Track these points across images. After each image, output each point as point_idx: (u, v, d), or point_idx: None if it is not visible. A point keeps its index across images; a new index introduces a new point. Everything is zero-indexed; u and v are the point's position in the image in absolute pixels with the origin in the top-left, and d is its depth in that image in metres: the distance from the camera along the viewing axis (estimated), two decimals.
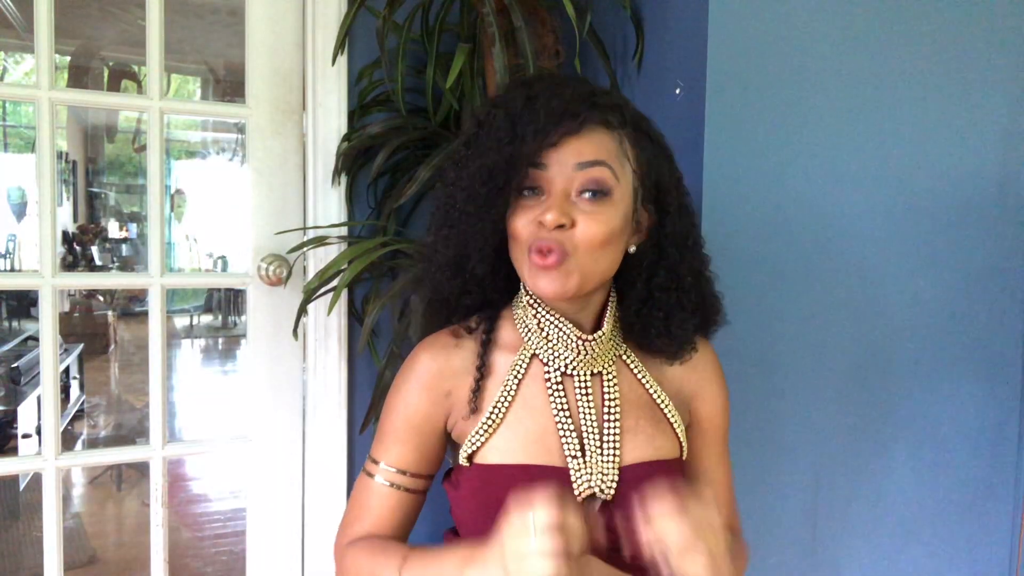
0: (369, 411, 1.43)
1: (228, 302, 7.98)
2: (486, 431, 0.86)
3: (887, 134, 1.31)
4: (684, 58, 1.26)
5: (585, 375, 0.88)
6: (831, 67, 1.27)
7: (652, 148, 0.88)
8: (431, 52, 1.38)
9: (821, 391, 1.32)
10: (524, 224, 0.81)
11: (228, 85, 5.43)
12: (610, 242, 0.82)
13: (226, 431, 4.63)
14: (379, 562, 0.85)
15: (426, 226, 0.92)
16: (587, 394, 0.87)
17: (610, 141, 0.83)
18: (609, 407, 0.87)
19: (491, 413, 0.86)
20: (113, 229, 8.69)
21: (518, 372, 0.88)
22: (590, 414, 0.87)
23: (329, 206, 1.50)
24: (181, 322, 8.05)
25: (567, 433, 0.85)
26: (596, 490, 0.84)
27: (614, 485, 0.84)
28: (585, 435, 0.86)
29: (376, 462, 0.91)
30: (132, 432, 4.36)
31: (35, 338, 3.67)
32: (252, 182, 1.51)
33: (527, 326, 0.89)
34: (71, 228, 7.69)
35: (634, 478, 0.85)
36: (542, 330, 0.87)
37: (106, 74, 5.29)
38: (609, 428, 0.86)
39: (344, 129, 1.49)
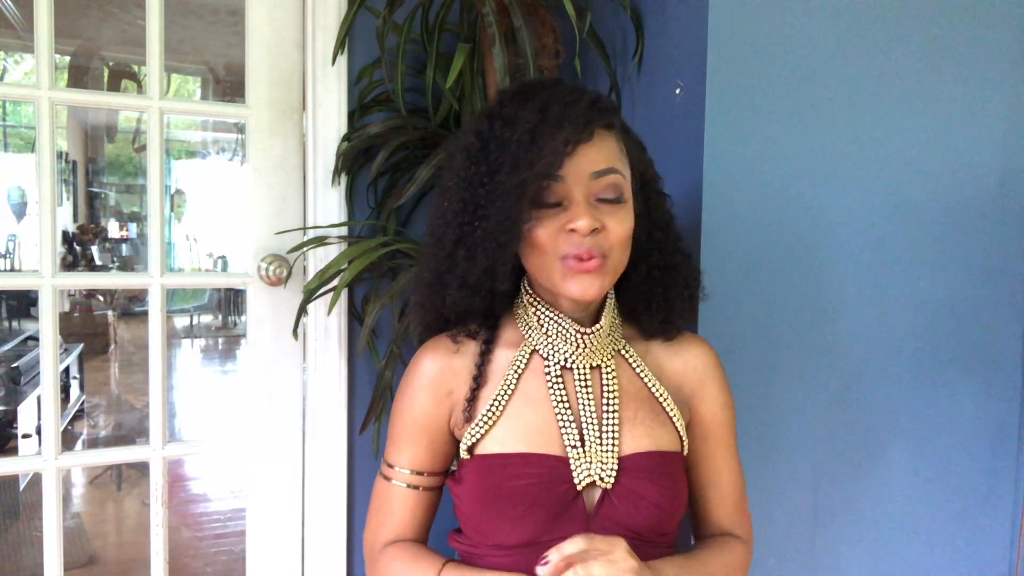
0: (369, 411, 1.43)
1: (228, 302, 7.98)
2: (486, 423, 0.88)
3: (887, 134, 1.31)
4: (684, 58, 1.26)
5: (584, 368, 0.90)
6: (831, 67, 1.27)
7: (634, 142, 0.93)
8: (431, 52, 1.38)
9: (821, 391, 1.32)
10: (550, 234, 0.83)
11: (228, 85, 5.43)
12: (629, 240, 0.87)
13: (226, 431, 4.63)
14: (415, 574, 0.88)
15: (430, 248, 0.90)
16: (587, 386, 0.89)
17: (614, 143, 0.87)
18: (608, 399, 0.89)
19: (491, 406, 0.88)
20: (113, 229, 8.69)
21: (518, 367, 0.90)
22: (589, 406, 0.89)
23: (329, 206, 1.50)
24: (181, 322, 8.04)
25: (566, 424, 0.87)
26: (596, 478, 0.86)
27: (614, 473, 0.86)
28: (584, 426, 0.88)
29: (392, 466, 0.94)
30: (132, 432, 4.36)
31: (35, 338, 3.67)
32: (252, 182, 1.51)
33: (527, 324, 0.91)
34: (71, 228, 7.70)
35: (634, 467, 0.87)
36: (541, 326, 0.90)
37: (106, 74, 5.29)
38: (608, 419, 0.88)
39: (344, 129, 1.49)
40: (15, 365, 3.59)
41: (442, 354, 0.92)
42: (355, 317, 1.54)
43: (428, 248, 0.91)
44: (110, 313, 6.35)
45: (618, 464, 0.86)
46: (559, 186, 0.83)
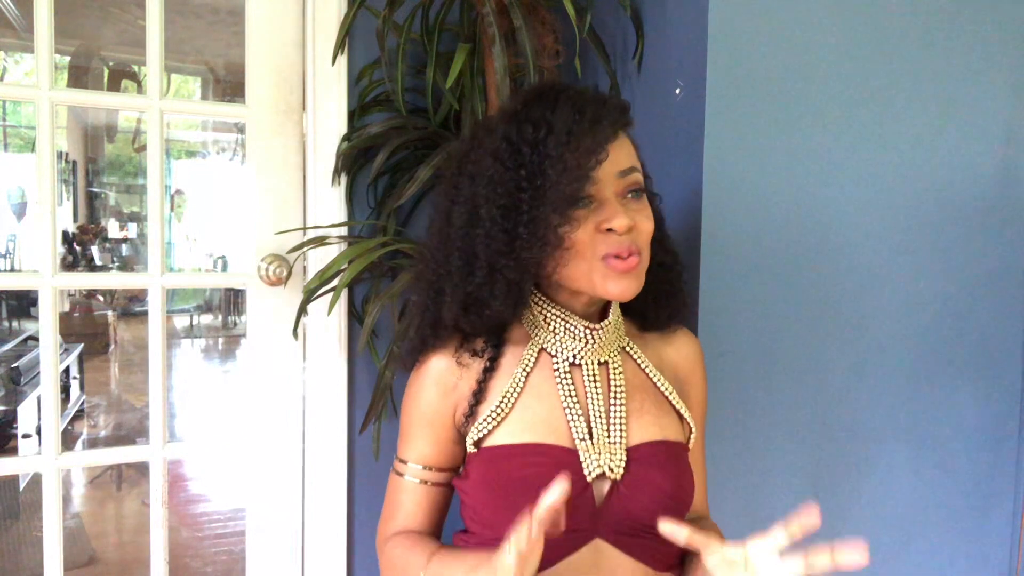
0: (369, 411, 1.43)
1: (228, 302, 7.98)
2: (495, 419, 0.88)
3: (887, 134, 1.31)
4: (684, 58, 1.26)
5: (593, 364, 0.91)
6: (831, 67, 1.27)
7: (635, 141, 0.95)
8: (431, 52, 1.38)
9: (821, 391, 1.32)
10: (586, 234, 0.84)
11: (228, 85, 5.43)
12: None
13: (226, 431, 4.63)
14: (410, 559, 0.89)
15: (451, 255, 0.88)
16: (595, 381, 0.91)
17: (630, 143, 0.90)
18: (615, 392, 0.91)
19: (501, 401, 0.89)
20: (113, 229, 8.69)
21: (527, 364, 0.91)
22: (598, 400, 0.90)
23: (329, 206, 1.50)
24: (181, 322, 8.04)
25: (575, 417, 0.88)
26: (605, 469, 0.86)
27: (623, 465, 0.87)
28: (593, 420, 0.89)
29: (404, 461, 0.95)
30: (132, 432, 4.36)
31: (35, 338, 3.67)
32: (252, 182, 1.51)
33: (534, 323, 0.92)
34: (71, 228, 7.69)
35: (641, 457, 0.88)
36: (548, 324, 0.91)
37: (106, 74, 5.29)
38: (616, 411, 0.89)
39: (344, 129, 1.49)
40: (15, 365, 3.59)
41: (450, 352, 0.93)
42: (355, 317, 1.54)
43: (444, 262, 0.89)
44: (110, 313, 6.35)
45: (627, 455, 0.88)
46: (591, 187, 0.85)
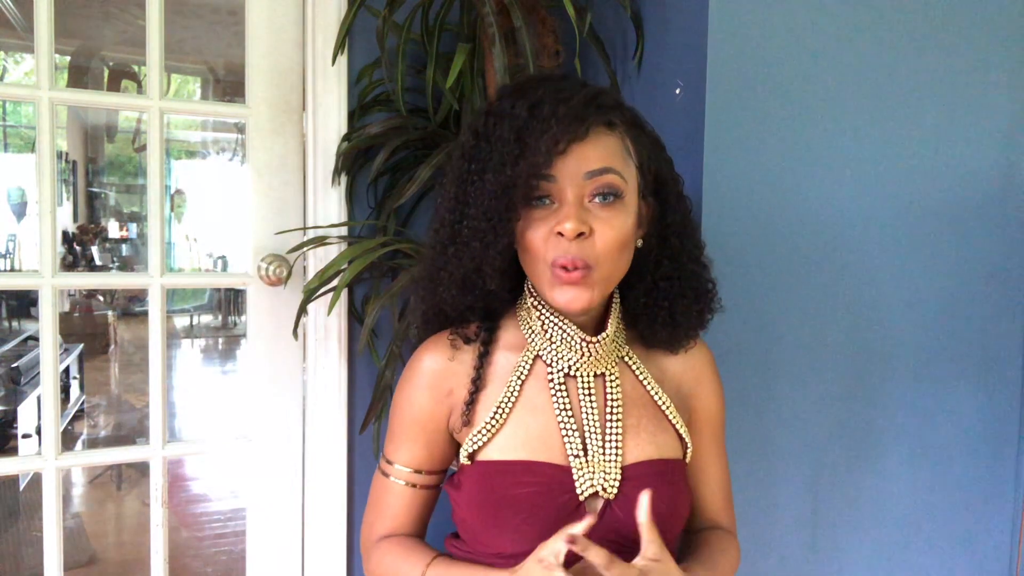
0: (369, 411, 1.43)
1: (228, 302, 7.98)
2: (489, 431, 0.86)
3: (887, 134, 1.31)
4: (684, 58, 1.26)
5: (588, 376, 0.88)
6: (831, 67, 1.27)
7: (648, 140, 0.89)
8: (431, 52, 1.38)
9: (821, 391, 1.32)
10: (540, 236, 0.81)
11: (228, 85, 5.43)
12: (626, 245, 0.83)
13: (226, 431, 4.63)
14: (403, 568, 0.87)
15: (428, 244, 0.90)
16: (590, 395, 0.87)
17: (614, 142, 0.83)
18: (612, 407, 0.87)
19: (495, 414, 0.86)
20: (113, 229, 8.69)
21: (521, 373, 0.88)
22: (593, 414, 0.87)
23: (329, 206, 1.50)
24: (181, 322, 8.05)
25: (569, 433, 0.85)
26: (599, 488, 0.84)
27: (617, 483, 0.84)
28: (587, 435, 0.86)
29: (390, 462, 0.93)
30: (132, 432, 4.36)
31: (35, 338, 3.67)
32: (252, 182, 1.51)
33: (531, 328, 0.89)
34: (71, 228, 7.70)
35: (636, 476, 0.85)
36: (546, 332, 0.87)
37: (106, 74, 5.30)
38: (611, 427, 0.87)
39: (344, 129, 1.49)
40: (15, 365, 3.59)
41: (442, 353, 0.90)
42: (355, 317, 1.54)
43: (427, 246, 0.90)
44: (110, 313, 6.35)
45: (621, 473, 0.85)
46: (551, 186, 0.81)
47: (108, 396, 5.15)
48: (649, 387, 0.91)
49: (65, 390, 4.21)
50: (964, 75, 1.35)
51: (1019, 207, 1.41)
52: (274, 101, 1.51)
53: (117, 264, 7.94)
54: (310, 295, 1.36)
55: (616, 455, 0.85)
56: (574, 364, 0.87)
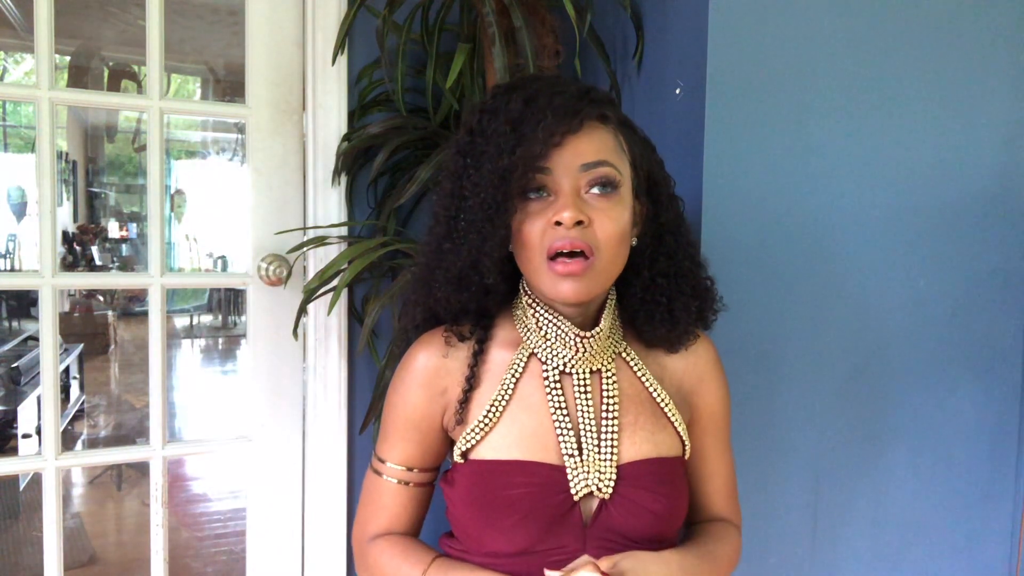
0: (369, 411, 1.43)
1: (228, 302, 7.99)
2: (482, 429, 0.86)
3: (887, 134, 1.31)
4: (684, 58, 1.26)
5: (584, 373, 0.87)
6: (831, 67, 1.27)
7: (639, 140, 0.90)
8: (431, 52, 1.38)
9: (821, 391, 1.32)
10: (537, 228, 0.80)
11: (228, 85, 5.43)
12: (624, 238, 0.83)
13: (226, 431, 4.63)
14: (402, 568, 0.87)
15: (423, 243, 0.90)
16: (585, 392, 0.87)
17: (608, 136, 0.84)
18: (608, 404, 0.87)
19: (488, 411, 0.86)
20: (113, 229, 8.70)
21: (516, 371, 0.87)
22: (588, 412, 0.86)
23: (329, 206, 1.50)
24: (181, 322, 8.05)
25: (564, 431, 0.85)
26: (593, 488, 0.83)
27: (612, 483, 0.84)
28: (583, 433, 0.85)
29: (383, 461, 0.92)
30: (132, 432, 4.36)
31: (35, 338, 3.67)
32: (252, 182, 1.51)
33: (526, 325, 0.89)
34: (71, 228, 7.70)
35: (631, 476, 0.85)
36: (540, 329, 0.87)
37: (106, 74, 5.30)
38: (607, 426, 0.86)
39: (344, 129, 1.49)
40: (15, 365, 3.59)
41: (436, 350, 0.89)
42: (355, 317, 1.54)
43: (423, 244, 0.90)
44: (110, 313, 6.35)
45: (617, 473, 0.84)
46: (546, 178, 0.81)
47: (108, 396, 5.15)
48: (647, 384, 0.90)
49: (65, 390, 4.21)
50: (964, 75, 1.35)
51: (1019, 207, 1.41)
52: (274, 101, 1.51)
53: (117, 264, 7.94)
54: (310, 295, 1.36)
55: (612, 454, 0.85)
56: (569, 361, 0.87)
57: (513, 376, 0.87)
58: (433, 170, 1.33)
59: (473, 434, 0.86)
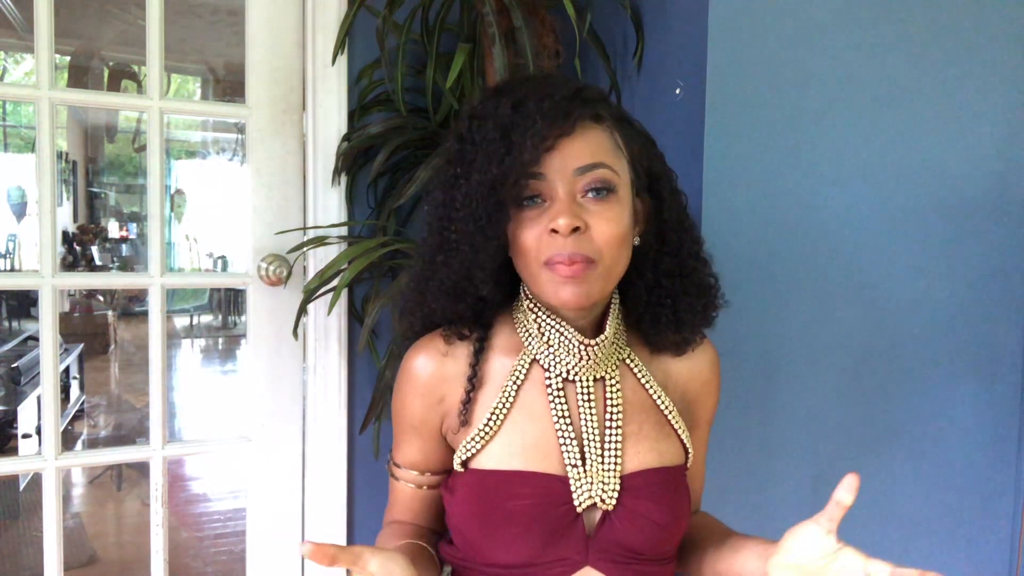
0: (369, 411, 1.43)
1: (228, 302, 7.99)
2: (483, 437, 0.84)
3: (887, 134, 1.31)
4: (684, 58, 1.26)
5: (587, 380, 0.85)
6: (831, 67, 1.27)
7: (638, 135, 0.87)
8: (431, 52, 1.38)
9: (821, 391, 1.32)
10: (533, 236, 0.78)
11: (228, 85, 5.43)
12: (624, 240, 0.81)
13: (226, 431, 4.63)
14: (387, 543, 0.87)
15: (415, 255, 0.88)
16: (589, 400, 0.85)
17: (603, 136, 0.82)
18: (612, 413, 0.85)
19: (489, 419, 0.84)
20: (113, 229, 8.70)
21: (518, 377, 0.85)
22: (592, 421, 0.84)
23: (329, 206, 1.50)
24: (181, 322, 8.05)
25: (567, 441, 0.83)
26: (597, 500, 0.82)
27: (615, 495, 0.82)
28: (586, 443, 0.83)
29: (398, 465, 0.93)
30: (132, 432, 4.36)
31: (35, 338, 3.67)
32: (252, 182, 1.51)
33: (527, 331, 0.86)
34: (71, 228, 7.70)
35: (635, 487, 0.83)
36: (543, 335, 0.85)
37: (106, 74, 5.30)
38: (611, 435, 0.84)
39: (344, 129, 1.49)
40: (15, 365, 3.59)
41: (434, 356, 0.87)
42: (355, 317, 1.54)
43: (414, 256, 0.89)
44: (110, 313, 6.35)
45: (620, 484, 0.82)
46: (540, 184, 0.78)
47: (108, 396, 5.15)
48: (652, 391, 0.88)
49: (65, 390, 4.21)
50: (964, 76, 1.35)
51: (1019, 207, 1.41)
52: (274, 101, 1.51)
53: (117, 264, 7.94)
54: (310, 295, 1.36)
55: (615, 465, 0.83)
56: (572, 368, 0.84)
57: (515, 383, 0.85)
58: (433, 170, 1.33)
59: (473, 443, 0.84)
